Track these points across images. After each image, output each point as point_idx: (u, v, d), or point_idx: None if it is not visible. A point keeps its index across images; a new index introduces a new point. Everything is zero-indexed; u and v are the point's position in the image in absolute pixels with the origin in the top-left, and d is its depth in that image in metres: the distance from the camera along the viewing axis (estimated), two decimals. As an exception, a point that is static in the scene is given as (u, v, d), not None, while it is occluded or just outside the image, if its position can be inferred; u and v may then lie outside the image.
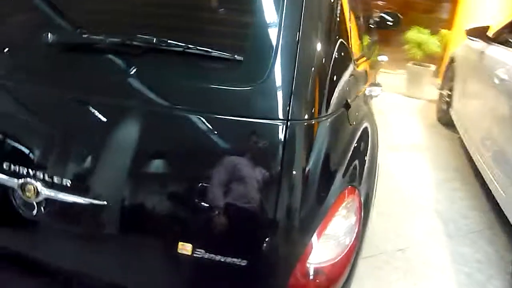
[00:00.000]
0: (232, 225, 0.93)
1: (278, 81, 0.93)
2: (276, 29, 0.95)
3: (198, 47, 0.94)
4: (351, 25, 1.40)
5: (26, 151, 1.02)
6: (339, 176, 1.05)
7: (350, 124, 1.16)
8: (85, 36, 1.04)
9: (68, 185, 0.98)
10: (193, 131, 0.95)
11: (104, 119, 0.98)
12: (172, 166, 0.96)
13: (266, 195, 0.91)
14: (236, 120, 0.93)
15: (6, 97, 1.09)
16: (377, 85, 1.66)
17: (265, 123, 0.92)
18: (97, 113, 0.99)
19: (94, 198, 0.96)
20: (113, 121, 0.99)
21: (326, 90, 0.99)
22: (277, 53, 0.93)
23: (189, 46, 0.94)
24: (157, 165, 0.97)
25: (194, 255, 0.92)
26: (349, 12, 1.37)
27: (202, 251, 0.92)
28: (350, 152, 1.14)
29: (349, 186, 1.08)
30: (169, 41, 0.94)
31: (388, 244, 2.22)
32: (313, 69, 0.96)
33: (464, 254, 2.19)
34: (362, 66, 1.47)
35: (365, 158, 1.24)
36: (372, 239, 2.24)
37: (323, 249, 0.97)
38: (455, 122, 3.46)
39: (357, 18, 1.76)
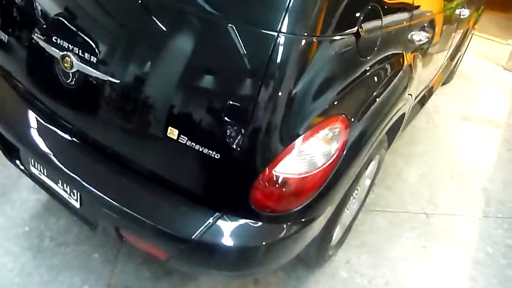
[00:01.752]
0: (213, 120, 1.03)
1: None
2: None
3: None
4: None
5: (71, 30, 1.20)
6: (329, 101, 1.07)
7: (361, 56, 1.15)
8: None
9: (94, 61, 1.14)
10: (193, 31, 1.04)
11: (132, 17, 1.13)
12: (174, 61, 1.06)
13: (247, 99, 0.98)
14: (233, 25, 0.98)
15: None
16: (424, 30, 1.54)
17: (259, 32, 0.96)
18: (129, 11, 1.14)
19: (111, 76, 1.12)
20: (133, 18, 1.13)
21: (328, 10, 0.99)
22: None
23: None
24: (163, 59, 1.08)
25: (179, 140, 1.05)
26: None
27: (186, 138, 1.04)
28: (352, 84, 1.14)
29: (341, 115, 1.10)
30: None
31: (416, 206, 2.17)
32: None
33: (495, 235, 2.07)
34: (408, 5, 1.38)
35: (373, 98, 1.22)
36: (401, 197, 2.22)
37: (293, 163, 1.03)
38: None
39: None
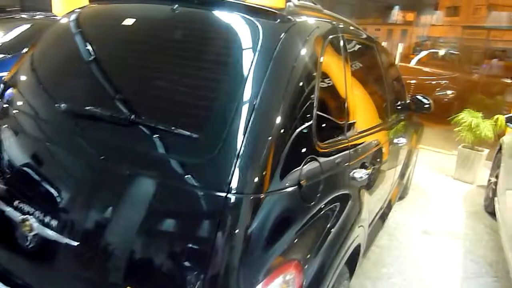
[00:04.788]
0: (170, 278, 1.07)
1: (224, 158, 1.08)
2: (231, 112, 1.12)
3: (165, 125, 1.15)
4: (336, 103, 1.55)
5: (30, 193, 1.27)
6: (280, 248, 1.14)
7: (306, 202, 1.26)
8: (82, 107, 1.30)
9: (55, 225, 1.19)
10: (150, 193, 1.14)
11: (86, 180, 1.23)
12: (130, 223, 1.13)
13: (200, 258, 1.04)
14: (185, 187, 1.09)
15: (26, 152, 1.38)
16: (364, 167, 1.71)
17: (210, 194, 1.07)
18: (85, 176, 1.25)
19: (70, 238, 1.16)
20: (92, 181, 1.22)
21: (270, 170, 1.11)
22: (228, 134, 1.10)
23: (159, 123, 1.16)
24: (121, 220, 1.15)
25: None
26: (331, 92, 1.52)
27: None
28: (301, 230, 1.22)
29: (294, 261, 1.16)
30: (143, 118, 1.18)
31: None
32: (257, 150, 1.10)
33: None
34: (344, 148, 1.56)
35: (323, 239, 1.30)
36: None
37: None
38: (496, 212, 3.25)
39: (362, 96, 1.89)
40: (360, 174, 1.62)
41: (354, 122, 1.69)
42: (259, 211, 1.09)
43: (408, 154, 3.21)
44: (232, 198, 1.05)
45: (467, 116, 4.44)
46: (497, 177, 3.66)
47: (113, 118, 1.23)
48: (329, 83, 1.50)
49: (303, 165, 1.24)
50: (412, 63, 8.38)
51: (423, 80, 7.43)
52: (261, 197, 1.09)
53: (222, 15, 1.38)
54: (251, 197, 1.07)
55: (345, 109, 1.60)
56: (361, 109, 1.86)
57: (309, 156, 1.27)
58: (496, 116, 4.50)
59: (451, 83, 7.45)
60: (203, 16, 1.40)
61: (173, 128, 1.14)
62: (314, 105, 1.32)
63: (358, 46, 1.99)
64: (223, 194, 1.05)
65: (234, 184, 1.06)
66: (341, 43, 1.66)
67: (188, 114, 1.20)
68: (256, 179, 1.09)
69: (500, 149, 3.75)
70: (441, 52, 9.90)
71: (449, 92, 7.19)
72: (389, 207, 2.83)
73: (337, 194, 1.47)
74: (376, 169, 2.00)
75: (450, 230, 3.39)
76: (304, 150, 1.25)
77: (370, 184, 1.90)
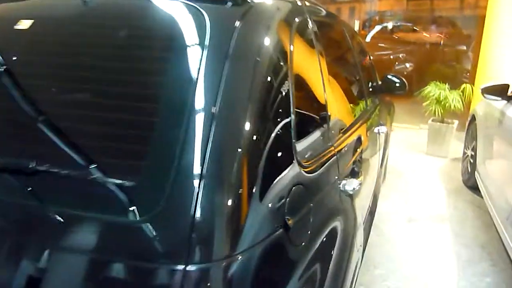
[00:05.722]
0: None
1: (175, 213, 0.74)
2: (178, 142, 0.77)
3: (84, 172, 0.77)
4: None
5: None
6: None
7: (295, 246, 0.93)
8: None
9: None
10: (78, 274, 0.76)
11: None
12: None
13: None
14: (124, 262, 0.74)
15: None
16: (354, 176, 1.42)
17: (161, 268, 0.72)
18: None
19: None
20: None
21: (244, 218, 0.78)
22: (177, 175, 0.75)
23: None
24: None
25: None
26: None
27: None
28: (296, 278, 0.90)
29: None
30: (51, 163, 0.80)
31: None
32: (225, 192, 0.76)
33: None
34: (331, 157, 1.25)
35: (320, 280, 1.00)
36: None
37: None
38: (479, 187, 3.10)
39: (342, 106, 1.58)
40: (352, 185, 1.31)
41: (336, 122, 1.38)
42: (235, 280, 0.76)
43: (385, 139, 2.98)
44: (194, 270, 0.71)
45: (434, 89, 4.29)
46: (473, 149, 3.52)
47: (6, 166, 0.84)
48: (305, 78, 1.18)
49: (287, 199, 0.91)
50: (368, 39, 8.20)
51: (381, 56, 7.30)
52: (237, 258, 0.76)
53: (152, 2, 1.01)
54: (223, 264, 0.74)
55: (326, 108, 1.28)
56: (341, 104, 1.56)
57: (293, 184, 0.94)
58: (462, 86, 4.38)
59: (408, 56, 7.37)
60: (126, 7, 1.03)
61: (97, 175, 0.77)
62: (291, 113, 0.99)
63: (327, 28, 1.67)
64: (181, 267, 0.71)
65: (195, 249, 0.72)
66: (310, 26, 1.34)
67: (116, 150, 0.83)
68: (226, 236, 0.75)
69: (473, 119, 3.61)
70: (390, 25, 9.81)
71: (408, 65, 7.11)
72: (375, 203, 2.58)
73: (330, 219, 1.15)
74: (363, 169, 1.72)
75: (434, 213, 3.21)
76: (286, 179, 0.92)
77: (359, 190, 1.61)
